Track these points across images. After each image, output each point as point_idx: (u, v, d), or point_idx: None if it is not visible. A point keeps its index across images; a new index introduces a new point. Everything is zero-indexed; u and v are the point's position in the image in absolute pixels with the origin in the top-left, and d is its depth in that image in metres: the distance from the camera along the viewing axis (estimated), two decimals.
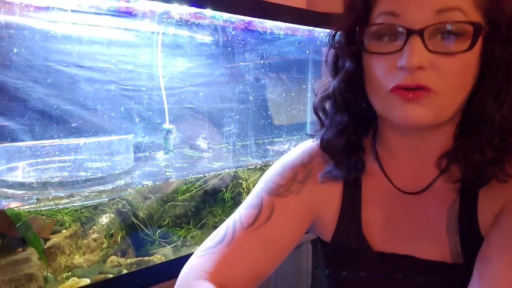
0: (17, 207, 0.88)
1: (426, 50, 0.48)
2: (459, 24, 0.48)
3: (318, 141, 0.63)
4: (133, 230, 1.11)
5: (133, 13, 1.08)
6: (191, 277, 0.55)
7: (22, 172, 1.01)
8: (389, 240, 0.60)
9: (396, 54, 0.49)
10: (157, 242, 1.13)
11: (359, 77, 0.56)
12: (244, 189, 1.29)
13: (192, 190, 1.20)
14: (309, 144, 0.66)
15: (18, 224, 0.89)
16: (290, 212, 0.61)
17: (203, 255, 0.57)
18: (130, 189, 1.07)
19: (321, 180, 0.61)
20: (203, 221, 1.22)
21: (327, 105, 0.62)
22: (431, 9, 0.47)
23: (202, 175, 1.21)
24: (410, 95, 0.49)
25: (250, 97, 1.50)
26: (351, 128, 0.59)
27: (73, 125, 1.14)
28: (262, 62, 1.46)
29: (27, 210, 0.89)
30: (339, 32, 0.58)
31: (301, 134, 1.69)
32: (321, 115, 0.62)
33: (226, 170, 1.25)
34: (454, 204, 0.57)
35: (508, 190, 0.53)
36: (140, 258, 1.07)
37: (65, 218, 1.01)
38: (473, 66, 0.50)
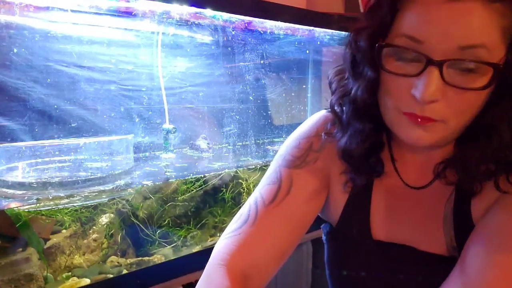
0: (17, 207, 0.88)
1: (442, 81, 0.46)
2: (479, 64, 0.46)
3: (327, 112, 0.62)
4: (133, 230, 1.11)
5: (133, 13, 1.08)
6: (215, 261, 0.56)
7: (22, 172, 1.01)
8: (390, 230, 0.61)
9: (412, 79, 0.48)
10: (157, 242, 1.13)
11: (379, 84, 0.55)
12: (244, 189, 1.29)
13: (192, 190, 1.20)
14: (322, 114, 0.66)
15: (18, 224, 0.89)
16: (308, 183, 0.61)
17: (229, 237, 0.58)
18: (130, 189, 1.07)
19: (345, 189, 0.62)
20: (203, 221, 1.22)
21: (345, 104, 0.60)
22: (455, 43, 0.45)
23: (202, 175, 1.21)
24: (419, 120, 0.49)
25: (250, 97, 1.50)
26: (373, 135, 0.58)
27: (73, 125, 1.14)
28: (262, 62, 1.46)
29: (27, 210, 0.89)
30: (360, 35, 0.54)
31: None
32: (338, 112, 0.61)
33: (226, 170, 1.25)
34: (450, 199, 0.58)
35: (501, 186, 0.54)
36: (140, 258, 1.07)
37: (65, 218, 1.01)
38: (484, 96, 0.49)
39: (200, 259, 1.09)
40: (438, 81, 0.46)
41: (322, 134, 0.63)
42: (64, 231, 1.02)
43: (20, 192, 0.91)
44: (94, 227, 1.06)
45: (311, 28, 1.43)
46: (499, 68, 0.46)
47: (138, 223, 1.11)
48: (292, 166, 0.62)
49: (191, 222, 1.20)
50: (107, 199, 1.04)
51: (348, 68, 0.58)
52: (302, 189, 0.61)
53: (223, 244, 0.58)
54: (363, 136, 0.58)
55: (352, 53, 0.57)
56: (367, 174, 0.61)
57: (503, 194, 0.53)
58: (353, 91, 0.57)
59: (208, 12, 1.12)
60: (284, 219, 0.59)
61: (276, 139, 1.65)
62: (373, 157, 0.60)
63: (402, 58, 0.50)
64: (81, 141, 1.11)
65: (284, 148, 0.65)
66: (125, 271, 1.02)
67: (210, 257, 0.58)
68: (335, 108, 0.61)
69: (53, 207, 0.94)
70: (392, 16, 0.50)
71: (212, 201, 1.24)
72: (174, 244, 1.15)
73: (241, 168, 1.29)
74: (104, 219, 1.07)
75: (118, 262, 1.05)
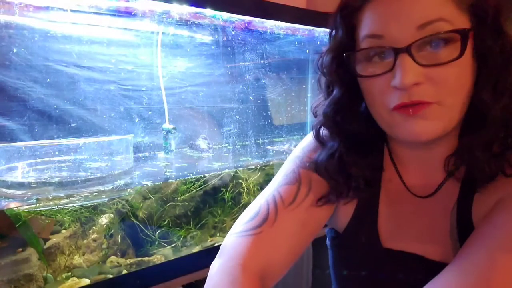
0: (16, 207, 0.88)
1: (417, 65, 0.47)
2: (443, 35, 0.47)
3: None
4: (133, 230, 1.11)
5: (133, 13, 1.08)
6: (235, 260, 0.54)
7: (21, 172, 1.01)
8: (399, 239, 0.60)
9: (388, 74, 0.50)
10: (157, 242, 1.13)
11: (348, 99, 0.57)
12: (244, 189, 1.28)
13: (192, 190, 1.20)
14: None
15: (18, 224, 0.89)
16: (325, 186, 0.61)
17: (248, 235, 0.57)
18: (130, 189, 1.06)
19: (318, 204, 0.61)
20: (203, 221, 1.22)
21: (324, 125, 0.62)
22: (412, 26, 0.47)
23: (202, 175, 1.21)
24: (410, 110, 0.49)
25: (250, 97, 1.50)
26: (343, 150, 0.59)
27: (73, 125, 1.14)
28: (262, 62, 1.46)
29: (26, 210, 0.89)
30: (326, 56, 0.58)
31: (301, 134, 1.69)
32: (322, 138, 0.63)
33: (226, 170, 1.25)
34: (454, 208, 0.57)
35: (499, 191, 0.53)
36: (140, 259, 1.07)
37: (64, 218, 1.01)
38: (468, 66, 0.50)
39: (200, 259, 1.10)
40: (412, 65, 0.47)
41: (307, 164, 0.63)
42: (63, 231, 1.02)
43: (19, 192, 0.91)
44: (93, 227, 1.05)
45: (311, 28, 1.42)
46: (465, 32, 0.47)
47: (138, 223, 1.11)
48: (310, 169, 0.62)
49: (191, 222, 1.20)
50: (107, 199, 1.04)
51: (323, 91, 0.61)
52: (320, 192, 0.61)
53: (242, 241, 0.57)
54: (331, 151, 0.59)
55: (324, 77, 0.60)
56: (344, 193, 0.60)
57: (502, 198, 0.52)
58: (322, 112, 0.59)
59: (208, 12, 1.12)
60: (301, 221, 0.59)
61: (276, 139, 1.65)
62: (347, 177, 0.60)
63: (373, 60, 0.51)
64: (81, 141, 1.10)
65: (301, 150, 0.66)
66: (125, 271, 1.02)
67: (227, 252, 0.56)
68: (318, 131, 0.62)
69: (53, 207, 0.94)
70: (350, 34, 0.54)
71: (212, 201, 1.24)
72: (174, 244, 1.15)
73: (241, 168, 1.29)
74: (104, 219, 1.07)
75: (118, 262, 1.04)
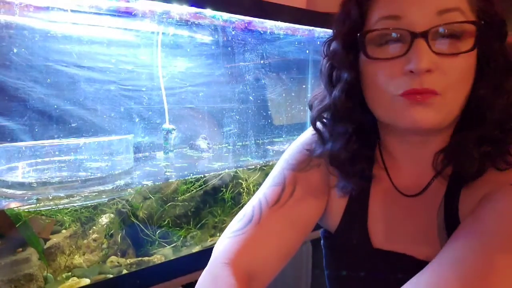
0: (17, 207, 0.88)
1: (432, 52, 0.47)
2: (461, 24, 0.48)
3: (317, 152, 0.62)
4: (133, 230, 1.11)
5: (133, 13, 1.08)
6: (220, 260, 0.56)
7: (22, 172, 1.01)
8: (389, 239, 0.60)
9: (401, 59, 0.49)
10: (157, 242, 1.13)
11: (358, 85, 0.56)
12: (244, 189, 1.29)
13: (192, 190, 1.20)
14: None
15: (18, 224, 0.89)
16: (312, 185, 0.62)
17: (233, 236, 0.58)
18: (130, 189, 1.07)
19: (343, 197, 0.62)
20: (203, 221, 1.22)
21: (326, 117, 0.61)
22: (432, 10, 0.47)
23: (202, 175, 1.21)
24: (418, 97, 0.49)
25: (250, 97, 1.50)
26: (356, 137, 0.58)
27: (73, 125, 1.14)
28: (262, 62, 1.46)
29: (27, 210, 0.89)
30: (334, 42, 0.57)
31: (301, 134, 1.69)
32: (320, 128, 0.62)
33: (226, 170, 1.25)
34: (441, 206, 0.57)
35: (485, 186, 0.53)
36: (140, 258, 1.07)
37: (65, 218, 1.01)
38: (473, 62, 0.51)
39: (200, 259, 1.10)
40: (427, 51, 0.47)
41: (293, 165, 0.64)
42: (64, 231, 1.02)
43: (20, 192, 0.91)
44: (94, 227, 1.06)
45: (311, 28, 1.42)
46: (480, 25, 0.48)
47: (138, 223, 1.11)
48: (297, 169, 0.63)
49: (191, 222, 1.20)
50: (107, 199, 1.04)
51: (324, 78, 0.59)
52: (306, 191, 0.61)
53: (227, 242, 0.58)
54: (346, 137, 0.58)
55: (329, 63, 0.58)
56: (356, 180, 0.60)
57: (488, 192, 0.52)
58: (332, 97, 0.58)
59: (208, 12, 1.12)
60: (288, 220, 0.59)
61: (276, 139, 1.65)
62: (360, 161, 0.60)
63: (384, 44, 0.51)
64: (81, 141, 1.11)
65: (288, 153, 0.67)
66: (125, 271, 1.02)
67: (213, 255, 0.58)
68: (316, 123, 0.62)
69: (53, 207, 0.94)
70: (362, 17, 0.53)
71: (212, 201, 1.24)
72: (174, 244, 1.15)
73: (241, 168, 1.29)
74: (104, 219, 1.07)
75: (118, 262, 1.05)
